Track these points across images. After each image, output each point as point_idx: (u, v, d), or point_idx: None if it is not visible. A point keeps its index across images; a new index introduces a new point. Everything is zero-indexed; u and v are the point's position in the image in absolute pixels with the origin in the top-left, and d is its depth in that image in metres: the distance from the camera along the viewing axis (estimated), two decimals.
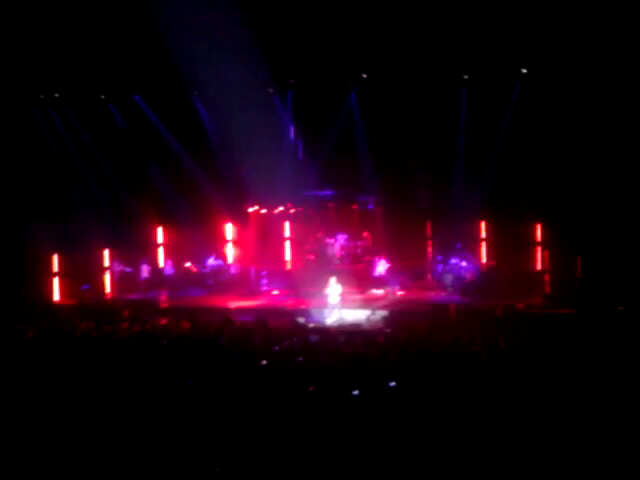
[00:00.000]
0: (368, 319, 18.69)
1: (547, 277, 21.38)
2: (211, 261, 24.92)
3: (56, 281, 23.58)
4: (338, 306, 19.45)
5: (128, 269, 24.24)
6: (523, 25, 19.20)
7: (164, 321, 18.43)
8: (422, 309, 19.97)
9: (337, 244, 24.47)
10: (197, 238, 24.86)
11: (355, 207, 25.25)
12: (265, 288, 23.60)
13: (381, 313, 19.27)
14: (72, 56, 21.21)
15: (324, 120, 23.62)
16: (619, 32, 18.09)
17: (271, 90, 22.93)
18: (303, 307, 20.09)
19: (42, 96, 23.62)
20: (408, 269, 23.26)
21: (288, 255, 25.70)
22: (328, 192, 24.69)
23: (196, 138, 24.09)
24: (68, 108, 24.12)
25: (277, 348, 13.91)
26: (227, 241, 26.16)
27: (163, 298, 23.49)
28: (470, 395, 10.38)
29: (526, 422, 9.08)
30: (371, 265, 23.34)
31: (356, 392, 10.51)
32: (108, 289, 24.22)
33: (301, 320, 18.40)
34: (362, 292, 21.94)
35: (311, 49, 21.63)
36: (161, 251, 25.98)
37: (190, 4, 18.52)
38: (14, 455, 8.11)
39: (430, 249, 24.05)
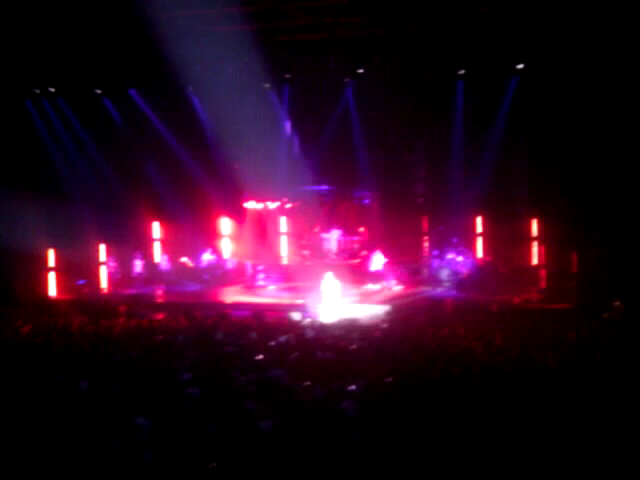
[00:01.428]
0: (369, 315, 18.58)
1: (543, 272, 21.39)
2: (207, 256, 24.89)
3: (52, 276, 23.53)
4: (334, 301, 19.43)
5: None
6: (520, 19, 19.21)
7: (160, 316, 18.42)
8: (418, 304, 19.98)
9: (333, 239, 24.48)
10: (193, 233, 24.83)
11: (352, 202, 25.21)
12: (261, 283, 23.58)
13: (382, 308, 19.24)
14: (67, 50, 21.13)
15: (320, 115, 23.61)
16: (616, 26, 18.07)
17: (267, 85, 22.86)
18: (299, 302, 20.07)
19: (37, 91, 23.52)
20: (404, 264, 23.25)
21: (284, 250, 25.68)
22: (324, 187, 24.67)
23: (192, 133, 24.01)
24: (63, 102, 24.02)
25: (273, 343, 13.91)
26: (223, 236, 26.13)
27: (159, 293, 23.49)
28: (467, 391, 10.39)
29: (523, 418, 9.08)
30: (367, 260, 23.33)
31: (353, 387, 10.51)
32: (104, 284, 24.17)
33: (296, 316, 18.36)
34: (358, 287, 21.93)
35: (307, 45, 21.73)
36: (157, 246, 25.93)
37: None
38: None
39: (426, 244, 24.04)
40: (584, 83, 19.03)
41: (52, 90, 23.46)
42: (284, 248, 25.69)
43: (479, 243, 23.20)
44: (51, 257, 23.49)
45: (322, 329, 15.69)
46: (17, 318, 17.58)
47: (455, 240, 22.90)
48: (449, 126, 22.58)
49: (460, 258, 22.52)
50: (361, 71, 21.95)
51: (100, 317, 17.55)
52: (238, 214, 25.59)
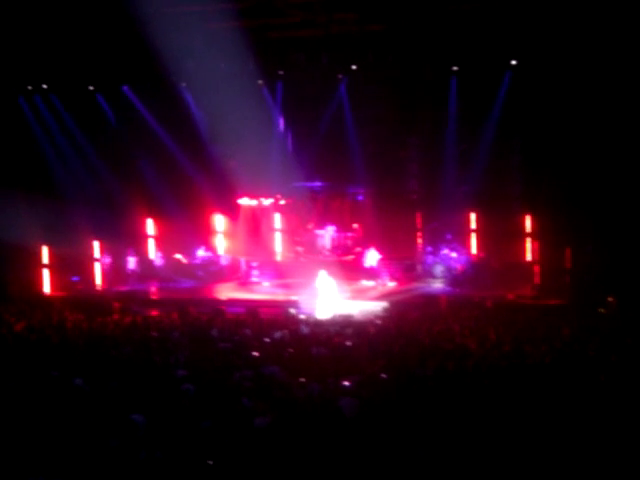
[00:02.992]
0: (364, 311, 18.58)
1: (537, 268, 21.45)
2: (201, 252, 24.89)
3: (46, 273, 23.48)
4: (329, 298, 19.43)
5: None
6: (513, 15, 19.21)
7: (155, 313, 18.43)
8: (412, 300, 20.01)
9: (327, 236, 24.49)
10: (187, 229, 24.80)
11: (345, 199, 25.22)
12: (255, 279, 23.60)
13: (377, 304, 19.26)
14: (60, 46, 21.06)
15: (314, 112, 23.59)
16: (609, 21, 18.10)
17: (260, 82, 22.84)
18: (293, 299, 20.07)
19: (30, 87, 23.46)
20: (398, 260, 23.29)
21: (278, 246, 25.68)
22: (318, 183, 24.67)
23: (185, 129, 23.97)
24: (56, 99, 23.96)
25: (268, 339, 13.92)
26: (217, 232, 26.12)
27: (153, 290, 23.48)
28: (462, 387, 10.42)
29: (517, 413, 9.12)
30: (361, 256, 23.36)
31: (347, 383, 10.52)
32: (98, 281, 24.14)
33: (292, 311, 18.38)
34: (352, 284, 21.95)
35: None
36: (151, 242, 25.91)
37: None
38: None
39: (420, 240, 24.08)
40: (577, 78, 19.06)
41: (45, 87, 23.41)
42: (278, 244, 25.70)
43: (473, 239, 23.25)
44: (45, 254, 23.45)
45: (317, 325, 15.72)
46: (11, 315, 17.58)
47: (449, 236, 22.93)
48: (443, 122, 22.59)
49: (454, 254, 22.56)
50: (354, 68, 21.95)
51: (94, 314, 17.54)
52: (232, 211, 25.57)
